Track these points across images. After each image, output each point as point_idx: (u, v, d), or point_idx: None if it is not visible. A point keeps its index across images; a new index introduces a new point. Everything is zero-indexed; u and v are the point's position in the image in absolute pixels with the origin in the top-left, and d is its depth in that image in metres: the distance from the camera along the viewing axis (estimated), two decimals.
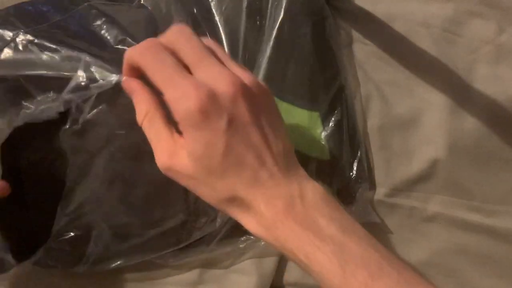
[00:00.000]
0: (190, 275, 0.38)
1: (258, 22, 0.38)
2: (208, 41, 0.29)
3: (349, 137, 0.39)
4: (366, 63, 0.41)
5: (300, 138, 0.37)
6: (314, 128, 0.38)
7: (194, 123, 0.25)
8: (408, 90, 0.41)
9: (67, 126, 0.32)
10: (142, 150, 0.32)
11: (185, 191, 0.35)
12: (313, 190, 0.27)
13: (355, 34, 0.41)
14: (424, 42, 0.40)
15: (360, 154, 0.39)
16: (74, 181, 0.33)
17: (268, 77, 0.37)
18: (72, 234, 0.33)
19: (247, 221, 0.27)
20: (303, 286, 0.39)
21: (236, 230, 0.37)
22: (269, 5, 0.38)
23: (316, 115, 0.38)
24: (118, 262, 0.35)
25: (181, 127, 0.26)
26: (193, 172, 0.26)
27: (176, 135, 0.27)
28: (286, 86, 0.37)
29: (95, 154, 0.33)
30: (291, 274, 0.39)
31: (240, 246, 0.37)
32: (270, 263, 0.39)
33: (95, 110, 0.32)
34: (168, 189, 0.35)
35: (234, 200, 0.27)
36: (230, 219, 0.36)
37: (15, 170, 0.33)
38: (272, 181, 0.27)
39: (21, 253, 0.32)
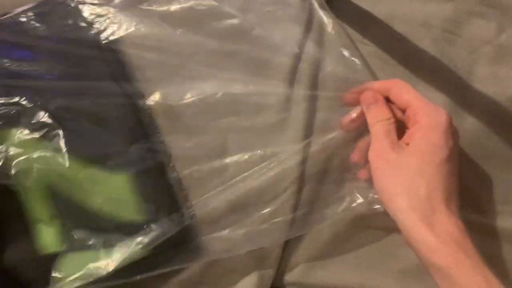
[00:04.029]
0: (191, 275, 0.38)
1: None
2: None
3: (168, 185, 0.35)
4: None
5: (113, 205, 0.35)
6: (125, 191, 0.35)
7: (439, 128, 0.32)
8: None
9: None
10: None
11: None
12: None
13: (355, 34, 0.41)
14: (424, 42, 0.40)
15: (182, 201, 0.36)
16: None
17: (72, 144, 0.34)
18: None
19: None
20: (303, 286, 0.40)
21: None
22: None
23: (123, 177, 0.35)
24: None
25: (420, 127, 0.33)
26: (409, 162, 0.32)
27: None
28: (91, 150, 0.35)
29: None
30: (291, 274, 0.39)
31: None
32: (270, 263, 0.39)
33: None
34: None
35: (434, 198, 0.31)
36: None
37: None
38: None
39: None
